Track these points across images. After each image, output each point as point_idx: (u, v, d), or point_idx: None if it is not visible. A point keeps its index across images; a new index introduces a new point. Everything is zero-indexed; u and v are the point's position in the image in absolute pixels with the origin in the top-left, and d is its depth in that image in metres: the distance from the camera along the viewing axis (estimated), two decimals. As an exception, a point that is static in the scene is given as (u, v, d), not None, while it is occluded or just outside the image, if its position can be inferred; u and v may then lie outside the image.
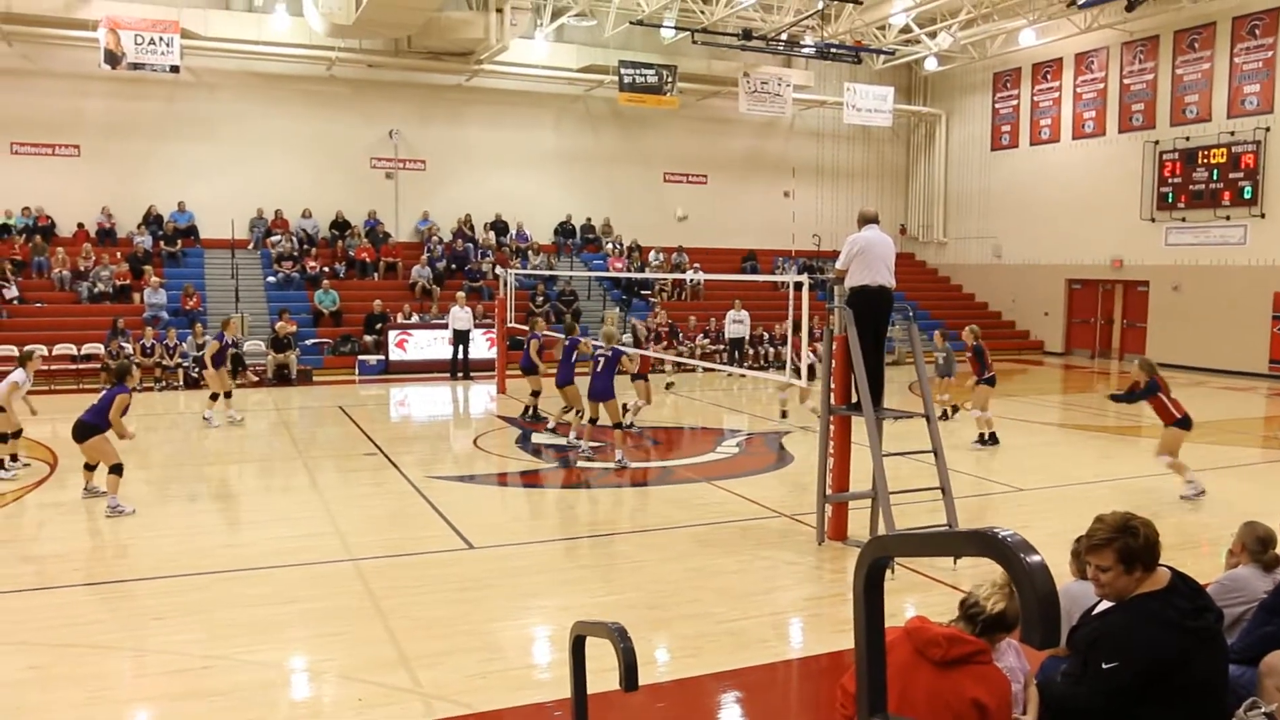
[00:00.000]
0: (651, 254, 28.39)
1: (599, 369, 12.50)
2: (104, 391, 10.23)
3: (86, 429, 9.94)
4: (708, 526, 9.47)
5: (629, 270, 27.12)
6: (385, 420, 16.98)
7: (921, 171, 33.47)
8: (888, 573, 3.67)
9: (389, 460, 12.57)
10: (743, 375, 22.35)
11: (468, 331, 22.03)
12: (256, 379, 20.82)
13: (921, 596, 6.91)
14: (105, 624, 6.79)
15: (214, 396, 15.74)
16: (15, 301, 22.15)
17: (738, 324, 23.59)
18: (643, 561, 8.40)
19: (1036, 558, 1.88)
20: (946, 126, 32.49)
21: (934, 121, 32.71)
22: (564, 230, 29.15)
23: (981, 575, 3.90)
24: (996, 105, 30.54)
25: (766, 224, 30.77)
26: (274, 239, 25.66)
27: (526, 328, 17.45)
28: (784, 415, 16.08)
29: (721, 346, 23.69)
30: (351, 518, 9.74)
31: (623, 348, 13.46)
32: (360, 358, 22.42)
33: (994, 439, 13.69)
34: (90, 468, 10.32)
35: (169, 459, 13.04)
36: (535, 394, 16.10)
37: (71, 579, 7.77)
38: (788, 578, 8.03)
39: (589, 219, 29.48)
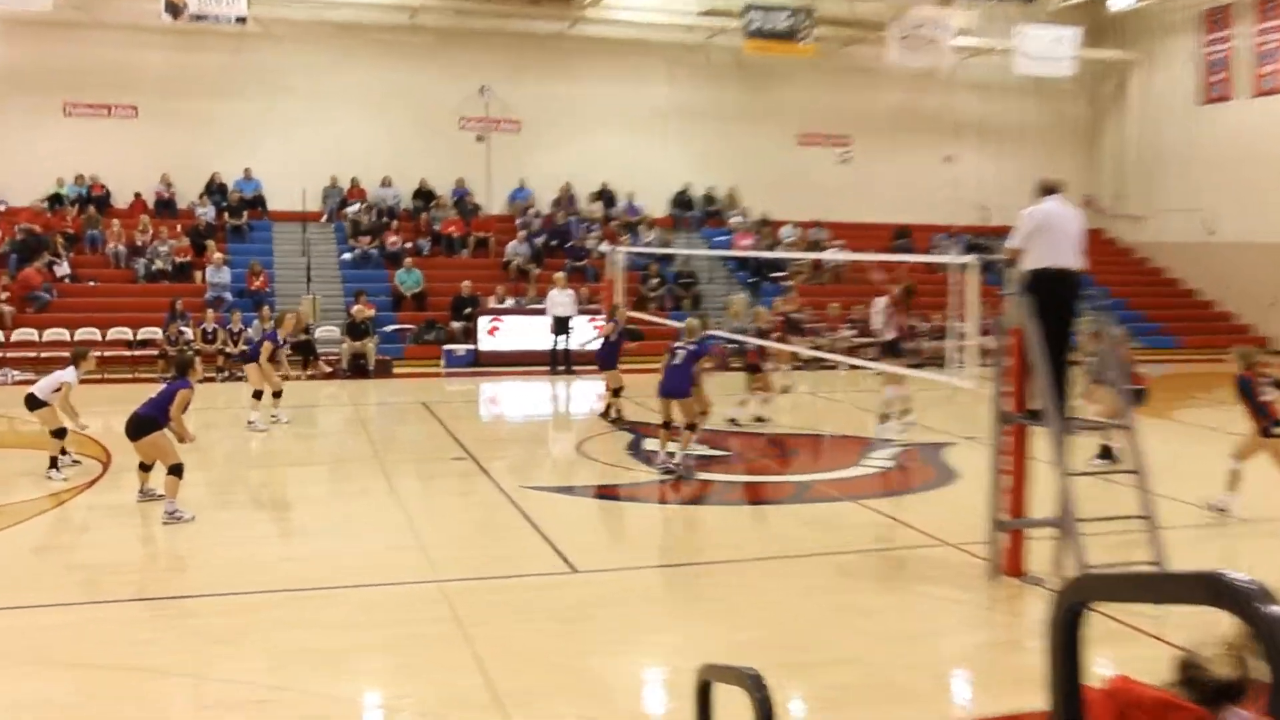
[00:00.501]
0: (784, 230, 28.18)
1: (675, 363, 12.42)
2: (164, 385, 10.53)
3: (143, 424, 10.22)
4: (854, 555, 9.28)
5: (758, 248, 26.95)
6: (474, 419, 17.21)
7: (1111, 130, 32.35)
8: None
9: (479, 466, 12.69)
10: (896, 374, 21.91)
11: (569, 318, 22.15)
12: (329, 369, 21.36)
13: (1120, 649, 6.59)
14: (160, 645, 6.97)
15: (257, 394, 15.31)
16: (66, 279, 23.19)
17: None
18: (776, 594, 8.25)
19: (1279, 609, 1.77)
20: (1142, 76, 31.32)
21: (1126, 70, 31.57)
22: (681, 201, 29.17)
23: (1199, 625, 3.64)
24: (1206, 49, 29.29)
25: (923, 195, 30.20)
26: (350, 210, 26.27)
27: (605, 316, 17.40)
28: (885, 420, 15.73)
29: (866, 340, 23.31)
30: (435, 531, 9.84)
31: (716, 336, 13.32)
32: (446, 347, 22.80)
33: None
34: (145, 468, 10.62)
35: (231, 459, 13.43)
36: (616, 392, 16.01)
37: (123, 592, 8.02)
38: (951, 619, 7.79)
39: (711, 188, 29.46)
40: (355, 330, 21.42)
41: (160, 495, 10.27)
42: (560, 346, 22.20)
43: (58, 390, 11.85)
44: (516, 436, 16.16)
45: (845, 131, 30.56)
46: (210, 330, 20.95)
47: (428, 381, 20.96)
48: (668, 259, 26.44)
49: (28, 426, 12.11)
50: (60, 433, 11.82)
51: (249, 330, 21.02)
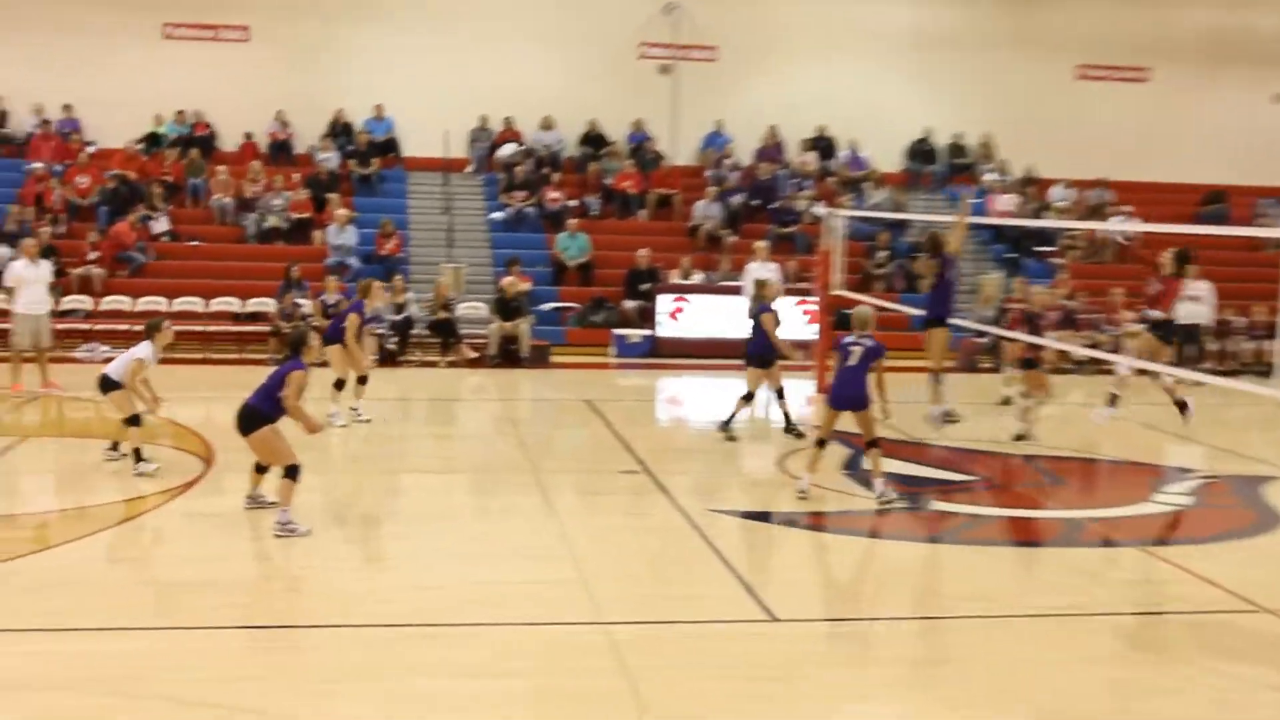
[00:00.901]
0: (1055, 190, 27.62)
1: (848, 363, 12.09)
2: (276, 368, 10.86)
3: (254, 417, 10.56)
4: (1137, 617, 9.06)
5: (1019, 215, 26.41)
6: (650, 423, 17.34)
7: None
8: None
9: (655, 482, 12.74)
10: (1198, 383, 21.16)
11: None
12: (474, 355, 21.82)
13: None
14: (260, 683, 7.23)
15: (338, 384, 15.48)
16: (165, 237, 24.36)
17: (1192, 302, 22.32)
18: (1032, 661, 8.04)
19: None
20: None
21: None
22: (920, 152, 28.89)
23: None
24: None
25: (1242, 146, 29.05)
26: (502, 153, 26.74)
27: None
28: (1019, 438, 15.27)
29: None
30: (600, 561, 9.93)
31: (962, 328, 13.05)
32: (618, 331, 23.07)
33: None
34: (261, 469, 10.99)
35: (352, 461, 13.86)
36: (779, 394, 15.79)
37: (220, 617, 8.35)
38: (1270, 711, 7.47)
39: (958, 136, 29.09)
40: (506, 308, 21.83)
41: (272, 502, 10.64)
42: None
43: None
44: (703, 446, 16.12)
45: (1140, 62, 29.77)
46: (331, 302, 21.50)
47: (593, 373, 21.23)
48: (900, 226, 26.14)
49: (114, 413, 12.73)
50: (134, 420, 12.38)
51: (341, 300, 21.47)
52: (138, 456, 12.27)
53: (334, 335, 15.09)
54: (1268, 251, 25.76)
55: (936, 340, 15.45)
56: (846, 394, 12.11)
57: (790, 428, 15.56)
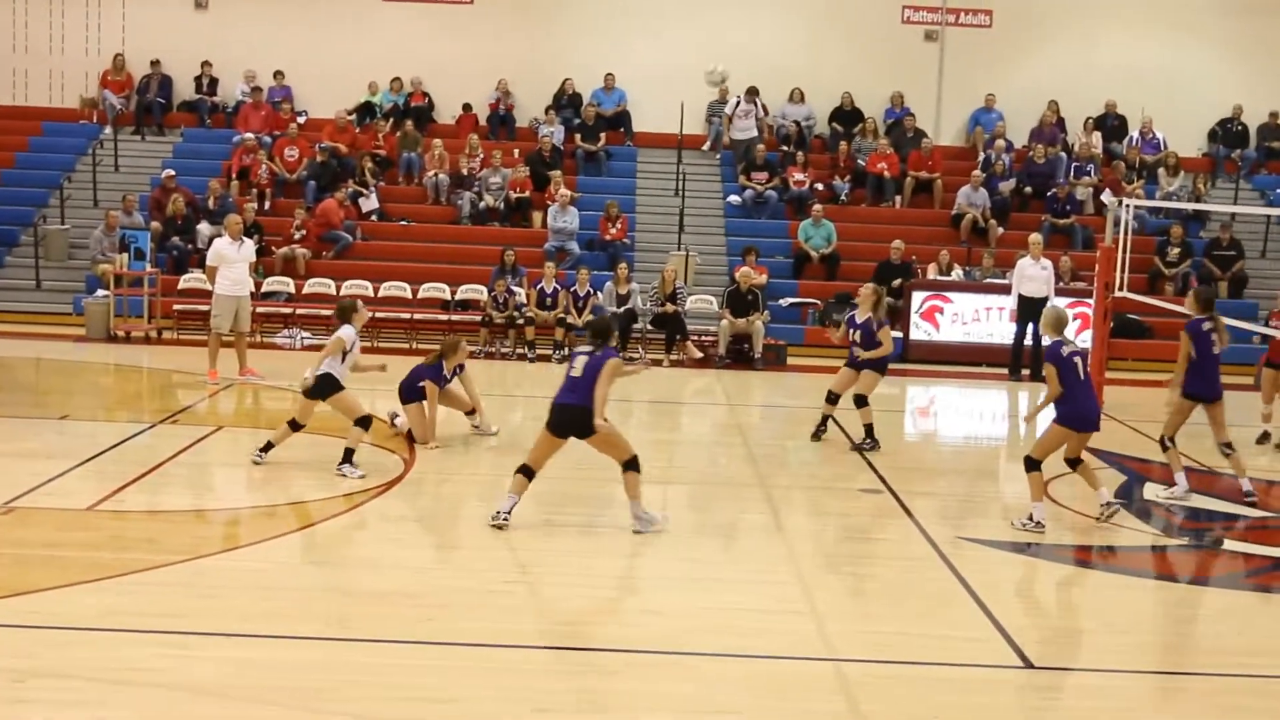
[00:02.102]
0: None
1: (1072, 374, 11.83)
2: (589, 356, 11.18)
3: (587, 417, 11.04)
4: None
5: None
6: (897, 436, 17.14)
7: None
8: None
9: (899, 503, 12.66)
10: None
11: (1044, 300, 21.56)
12: (701, 354, 21.91)
13: None
14: (462, 703, 7.39)
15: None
16: (374, 216, 25.13)
17: None
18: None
19: None
20: None
21: None
22: (1227, 134, 28.08)
23: None
24: None
25: None
26: (743, 130, 26.81)
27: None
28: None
29: None
30: (833, 590, 9.91)
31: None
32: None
33: None
34: (297, 427, 11.51)
35: (566, 468, 14.03)
36: (861, 402, 15.43)
37: (417, 631, 8.55)
38: None
39: (1273, 115, 28.17)
40: (739, 302, 21.85)
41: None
42: (1028, 340, 21.72)
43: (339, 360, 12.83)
44: (956, 465, 15.95)
45: None
46: (550, 292, 21.95)
47: (833, 378, 21.11)
48: (1199, 219, 25.47)
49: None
50: (364, 421, 12.78)
51: (598, 295, 21.89)
52: (348, 458, 12.67)
53: (410, 394, 14.46)
54: None
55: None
56: (1076, 408, 11.93)
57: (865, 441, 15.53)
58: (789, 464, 14.91)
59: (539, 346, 21.56)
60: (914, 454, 16.72)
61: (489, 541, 10.67)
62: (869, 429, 15.30)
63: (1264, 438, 16.47)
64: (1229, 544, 12.08)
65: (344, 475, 12.54)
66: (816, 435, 15.72)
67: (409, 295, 22.96)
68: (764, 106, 27.48)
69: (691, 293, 23.21)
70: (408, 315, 22.48)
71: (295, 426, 12.90)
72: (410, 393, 14.31)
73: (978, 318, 22.82)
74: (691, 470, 14.50)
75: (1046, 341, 12.30)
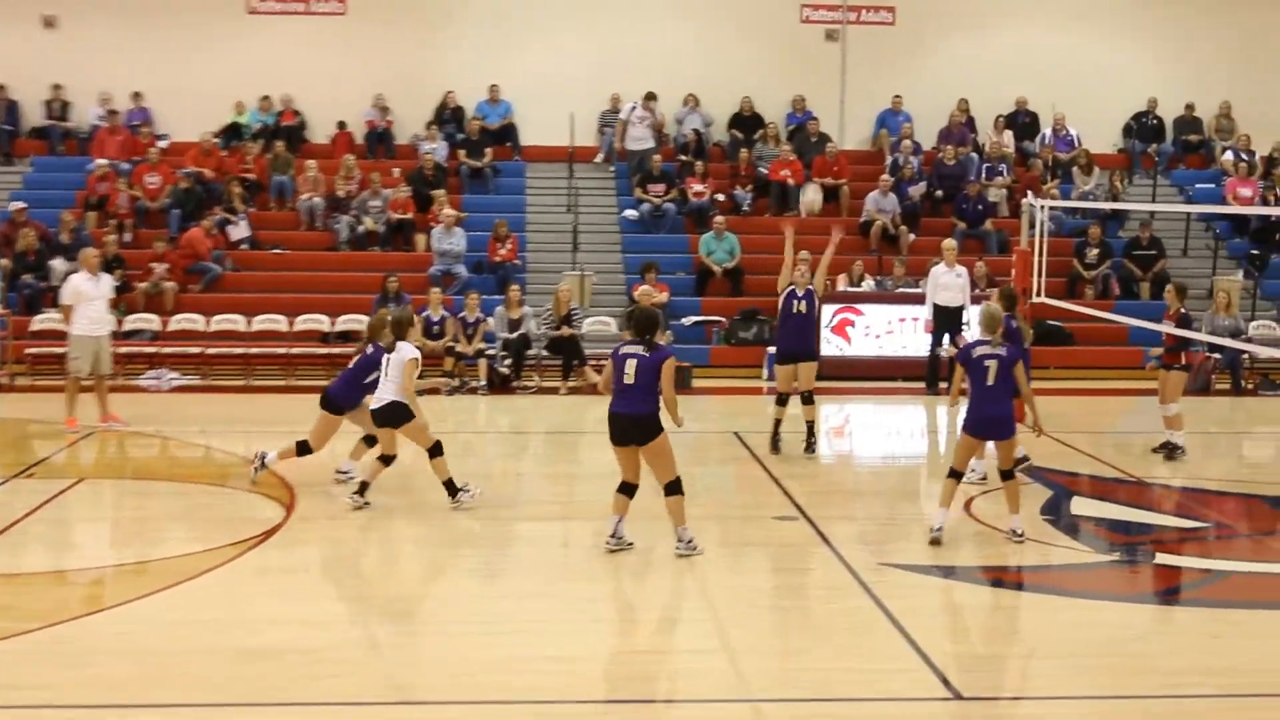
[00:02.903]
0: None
1: (986, 382, 12.14)
2: (638, 360, 11.40)
3: (650, 422, 11.39)
4: None
5: (1263, 201, 25.96)
6: (811, 459, 17.17)
7: None
8: None
9: (815, 530, 12.68)
10: None
11: (959, 310, 21.73)
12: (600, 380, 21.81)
13: None
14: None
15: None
16: (244, 245, 24.89)
17: None
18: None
19: None
20: None
21: None
22: (1142, 129, 28.54)
23: None
24: None
25: None
26: (637, 140, 26.86)
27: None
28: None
29: None
30: (750, 626, 9.86)
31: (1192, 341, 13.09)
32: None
33: None
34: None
35: (458, 506, 13.92)
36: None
37: (307, 691, 8.42)
38: None
39: (1189, 107, 28.68)
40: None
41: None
42: (945, 352, 21.88)
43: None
44: (874, 487, 16.03)
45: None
46: (436, 320, 21.80)
47: (743, 400, 21.23)
48: (1117, 218, 25.85)
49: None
50: (437, 449, 13.09)
51: (489, 321, 21.79)
52: (453, 490, 12.92)
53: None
54: None
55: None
56: (988, 417, 12.14)
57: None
58: (699, 493, 14.84)
59: (427, 377, 21.29)
60: (830, 477, 16.77)
61: (380, 590, 10.57)
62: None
63: (1164, 448, 16.65)
64: (1160, 558, 12.19)
65: (462, 503, 13.02)
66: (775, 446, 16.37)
67: (285, 328, 22.71)
68: (659, 114, 27.52)
69: (588, 314, 23.16)
70: (283, 350, 22.26)
71: (386, 461, 13.13)
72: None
73: (891, 330, 22.97)
74: (596, 504, 14.36)
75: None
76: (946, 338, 21.37)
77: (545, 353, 22.04)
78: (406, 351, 12.82)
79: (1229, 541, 13.17)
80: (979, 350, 12.19)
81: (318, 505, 13.44)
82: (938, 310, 21.56)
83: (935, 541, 12.08)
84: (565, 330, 21.80)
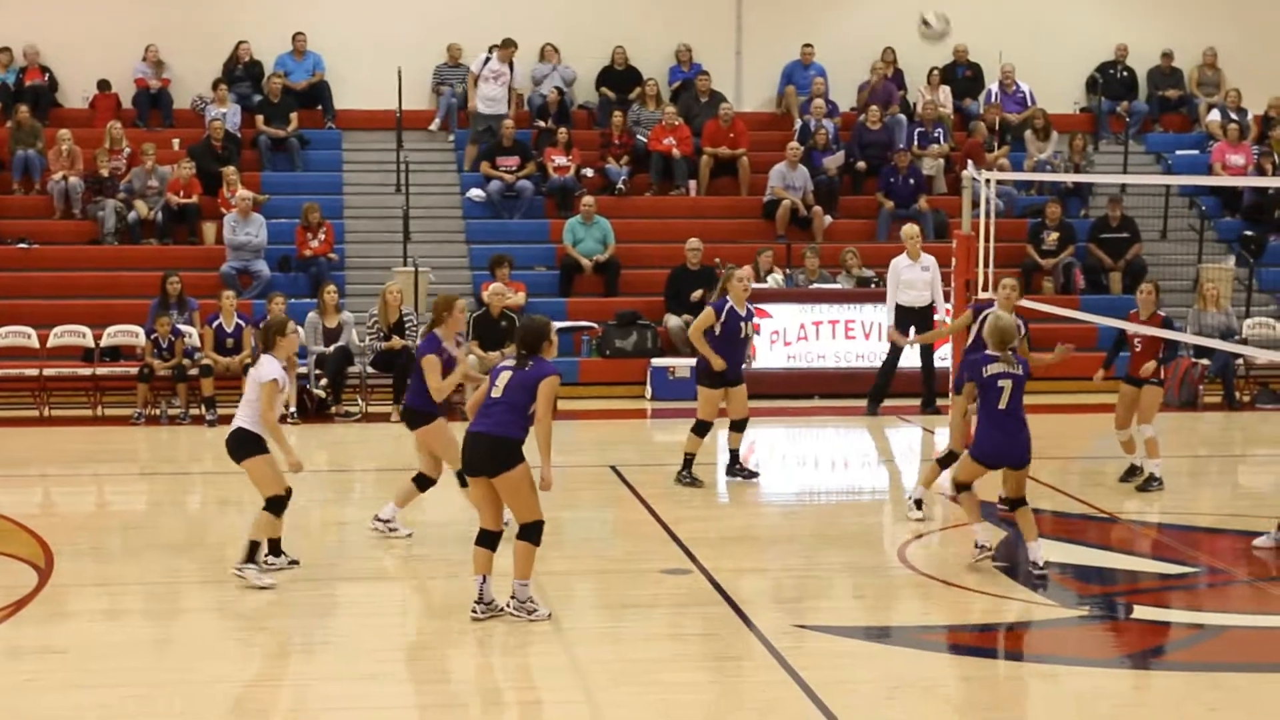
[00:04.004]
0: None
1: (999, 406, 12.78)
2: (513, 372, 11.29)
3: (507, 448, 11.22)
4: None
5: (1258, 170, 26.41)
6: (708, 498, 17.22)
7: None
8: None
9: (713, 585, 12.70)
10: None
11: (929, 309, 21.60)
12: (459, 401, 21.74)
13: None
14: None
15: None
16: (-20, 238, 24.45)
17: None
18: None
19: None
20: None
21: None
22: (1109, 83, 28.96)
23: None
24: None
25: None
26: (489, 102, 26.80)
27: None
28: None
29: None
30: (633, 708, 9.85)
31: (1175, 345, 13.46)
32: (657, 362, 23.10)
33: None
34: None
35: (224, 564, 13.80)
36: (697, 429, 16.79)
37: None
38: None
39: (1165, 55, 29.13)
40: (491, 331, 21.81)
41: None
42: (910, 360, 21.94)
43: None
44: (789, 533, 16.06)
45: None
46: (231, 330, 21.55)
47: (621, 425, 21.41)
48: (1080, 194, 26.21)
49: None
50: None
51: (298, 334, 21.47)
52: (253, 554, 12.45)
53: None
54: None
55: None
56: (1002, 443, 12.65)
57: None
58: (566, 542, 14.81)
59: (221, 405, 21.04)
60: (733, 520, 16.81)
61: (157, 678, 10.41)
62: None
63: (1131, 473, 16.91)
64: (1140, 611, 12.34)
65: (249, 578, 12.43)
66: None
67: (35, 344, 22.28)
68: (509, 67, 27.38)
69: (425, 320, 23.02)
70: (35, 371, 21.86)
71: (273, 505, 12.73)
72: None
73: (804, 336, 23.13)
74: (434, 557, 14.28)
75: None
76: (913, 330, 21.44)
77: (371, 370, 21.96)
78: (266, 370, 12.58)
79: (1223, 589, 13.34)
80: (992, 368, 12.65)
81: (81, 568, 13.26)
82: (901, 311, 21.66)
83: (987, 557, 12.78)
84: (396, 341, 21.69)
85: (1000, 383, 12.60)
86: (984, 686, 10.87)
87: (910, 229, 22.18)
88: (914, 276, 21.46)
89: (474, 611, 11.35)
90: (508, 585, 11.41)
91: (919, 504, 15.43)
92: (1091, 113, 28.97)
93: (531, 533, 11.30)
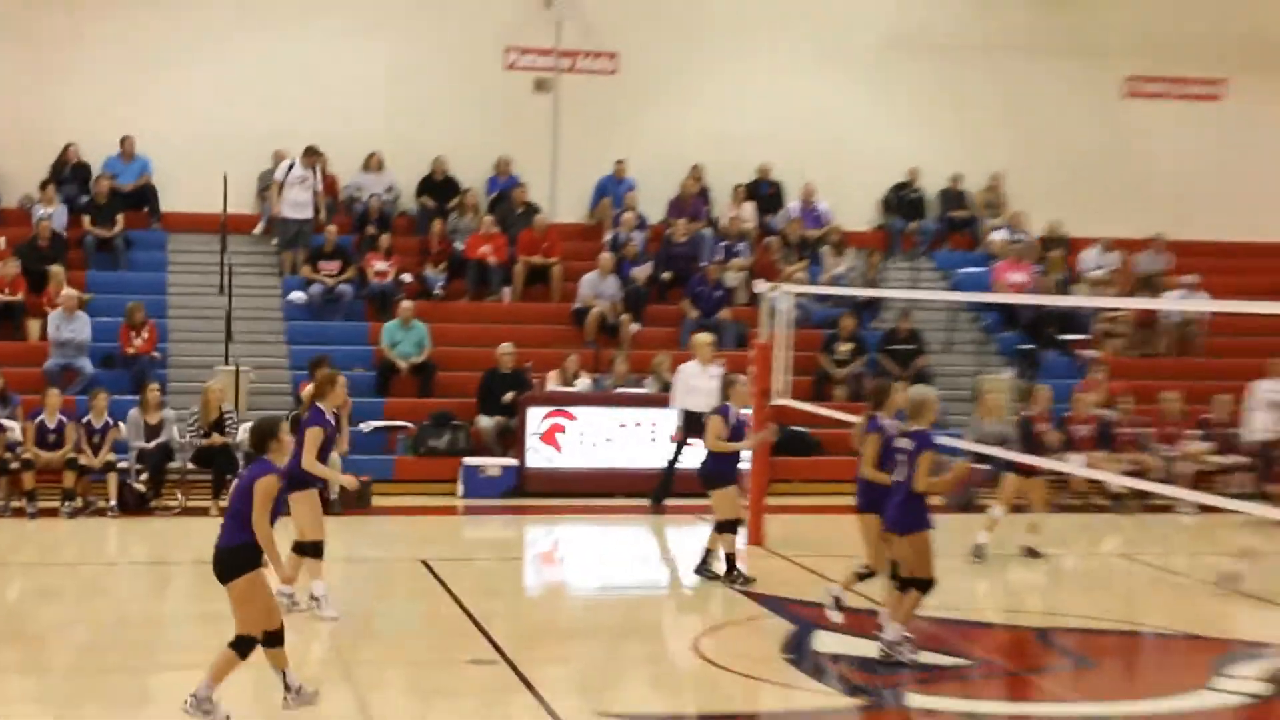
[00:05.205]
0: (1089, 254, 28.38)
1: (897, 477, 12.99)
2: (238, 478, 11.57)
3: (232, 559, 10.76)
4: None
5: (1037, 288, 27.08)
6: (514, 592, 17.51)
7: None
8: None
9: (519, 676, 12.83)
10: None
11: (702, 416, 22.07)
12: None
13: None
14: None
15: (303, 549, 14.92)
16: None
17: (1277, 409, 23.06)
18: None
19: None
20: None
21: None
22: (901, 203, 29.47)
23: None
24: None
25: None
26: (295, 207, 26.65)
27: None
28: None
29: (1233, 459, 23.12)
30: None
31: (942, 432, 13.96)
32: (468, 462, 23.23)
33: None
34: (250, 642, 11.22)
35: (80, 655, 13.89)
36: (727, 527, 16.92)
37: None
38: None
39: (954, 178, 29.73)
40: (263, 441, 21.66)
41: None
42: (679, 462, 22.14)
43: None
44: (590, 625, 16.36)
45: (1212, 74, 30.69)
46: (54, 426, 21.35)
47: (433, 521, 21.48)
48: (872, 307, 26.70)
49: None
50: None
51: (119, 428, 21.54)
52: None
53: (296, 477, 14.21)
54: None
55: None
56: (897, 514, 12.99)
57: (729, 573, 16.74)
58: (377, 634, 14.96)
59: (42, 498, 20.93)
60: (538, 612, 17.11)
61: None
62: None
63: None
64: (916, 700, 12.65)
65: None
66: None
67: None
68: (324, 174, 27.20)
69: (245, 419, 22.96)
70: None
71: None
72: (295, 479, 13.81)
73: (610, 438, 23.40)
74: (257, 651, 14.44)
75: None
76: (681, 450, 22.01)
77: (191, 465, 21.87)
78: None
79: (991, 681, 13.70)
80: (893, 436, 13.18)
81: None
82: (689, 416, 21.64)
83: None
84: (216, 438, 21.65)
85: (899, 455, 12.95)
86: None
87: (702, 337, 22.40)
88: (702, 384, 21.35)
89: (285, 700, 10.85)
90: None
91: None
92: (886, 231, 29.38)
93: (241, 645, 10.66)
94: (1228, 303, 25.57)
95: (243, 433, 22.42)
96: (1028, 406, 20.06)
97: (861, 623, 14.52)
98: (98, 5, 27.35)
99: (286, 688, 10.83)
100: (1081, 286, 27.59)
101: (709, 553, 17.17)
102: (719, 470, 17.10)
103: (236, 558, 10.65)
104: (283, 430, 11.29)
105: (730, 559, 16.77)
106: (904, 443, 12.95)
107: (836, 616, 14.35)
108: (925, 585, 12.90)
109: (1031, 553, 18.45)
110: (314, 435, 14.43)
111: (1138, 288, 27.50)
